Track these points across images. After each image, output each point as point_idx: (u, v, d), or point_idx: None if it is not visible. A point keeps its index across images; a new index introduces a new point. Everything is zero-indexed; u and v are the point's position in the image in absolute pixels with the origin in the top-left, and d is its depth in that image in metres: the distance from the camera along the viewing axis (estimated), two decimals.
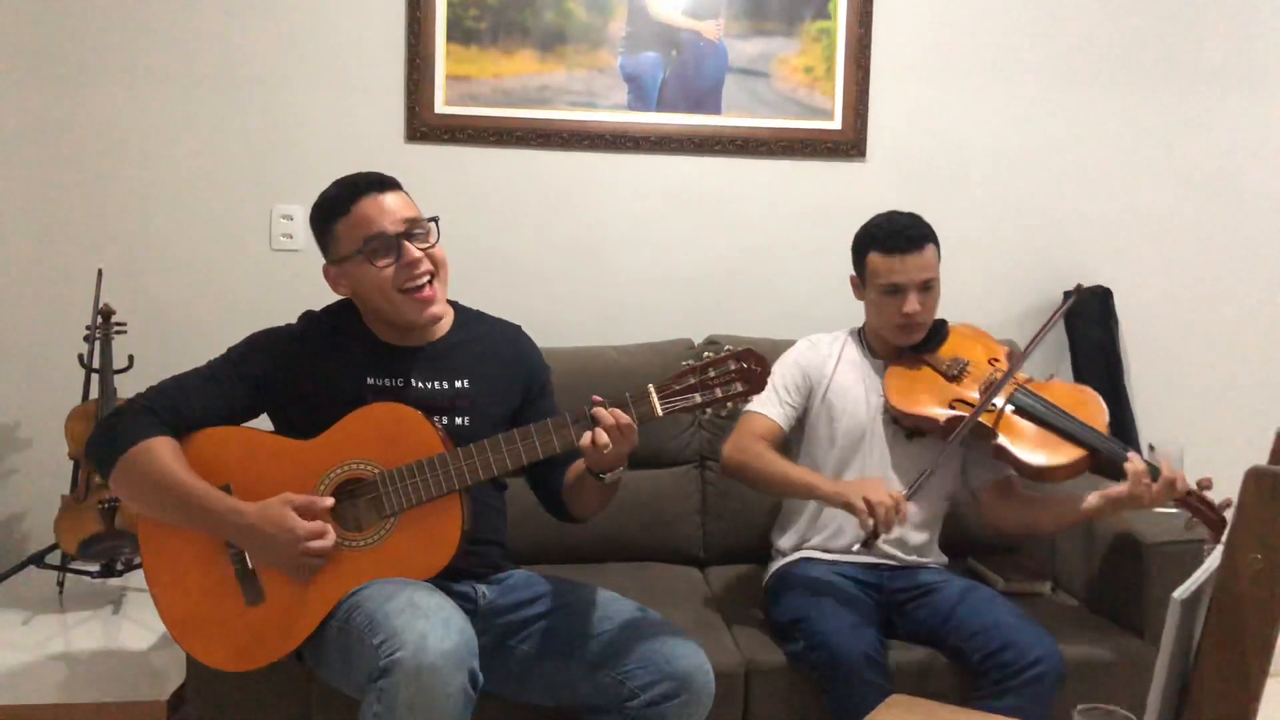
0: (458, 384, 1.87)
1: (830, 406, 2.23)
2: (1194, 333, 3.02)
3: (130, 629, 2.36)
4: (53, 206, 2.73)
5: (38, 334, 2.72)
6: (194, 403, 1.79)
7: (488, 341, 1.96)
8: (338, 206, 1.83)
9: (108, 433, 1.76)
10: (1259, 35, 2.98)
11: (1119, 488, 2.00)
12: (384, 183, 1.85)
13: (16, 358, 2.73)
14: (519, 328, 2.04)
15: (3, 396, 2.74)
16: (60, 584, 2.54)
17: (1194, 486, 1.98)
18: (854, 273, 2.27)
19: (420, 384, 1.85)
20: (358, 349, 1.86)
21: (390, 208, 1.82)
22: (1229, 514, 1.93)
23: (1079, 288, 2.15)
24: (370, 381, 1.83)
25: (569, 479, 1.91)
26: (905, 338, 2.21)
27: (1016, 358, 2.19)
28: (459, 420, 1.85)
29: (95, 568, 2.44)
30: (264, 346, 1.86)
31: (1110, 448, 2.06)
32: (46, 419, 2.64)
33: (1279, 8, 2.98)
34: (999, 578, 2.36)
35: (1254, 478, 1.13)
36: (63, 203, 2.73)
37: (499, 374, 1.93)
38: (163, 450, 1.73)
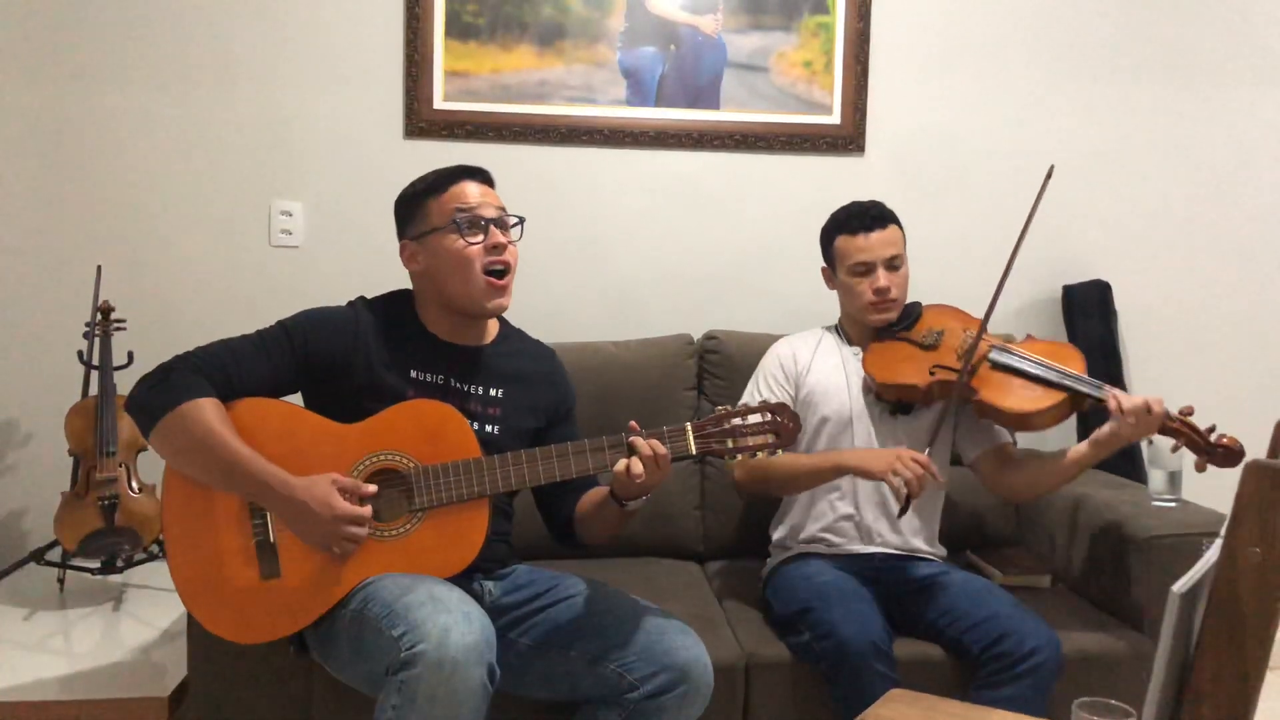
0: (493, 392, 1.90)
1: (812, 394, 2.27)
2: (1193, 326, 3.02)
3: (131, 626, 2.36)
4: (52, 203, 2.73)
5: (37, 331, 2.72)
6: (243, 369, 1.79)
7: (527, 357, 2.00)
8: (436, 185, 1.89)
9: (156, 388, 1.75)
10: (1259, 30, 2.98)
11: (1104, 428, 2.02)
12: (483, 173, 1.93)
13: (16, 354, 2.73)
14: (554, 351, 2.08)
15: (2, 393, 2.74)
16: (61, 581, 2.55)
17: (1175, 413, 2.01)
18: (824, 265, 2.35)
19: (460, 385, 1.88)
20: (406, 340, 1.89)
21: (486, 196, 1.89)
22: (1215, 437, 1.95)
23: (1052, 169, 2.19)
24: (414, 375, 1.85)
25: (584, 506, 1.94)
26: (879, 316, 2.25)
27: (992, 299, 2.19)
28: (489, 428, 1.87)
29: (96, 564, 2.44)
30: (320, 325, 1.86)
31: (1087, 387, 2.08)
32: (46, 415, 2.64)
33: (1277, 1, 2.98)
34: (998, 571, 2.36)
35: (1253, 471, 1.13)
36: (62, 199, 2.73)
37: (533, 391, 1.96)
38: (210, 411, 1.73)
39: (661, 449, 1.72)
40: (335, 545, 1.71)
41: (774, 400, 2.23)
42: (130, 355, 2.53)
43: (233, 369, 1.79)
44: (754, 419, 1.75)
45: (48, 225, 2.73)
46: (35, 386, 2.71)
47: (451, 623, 1.54)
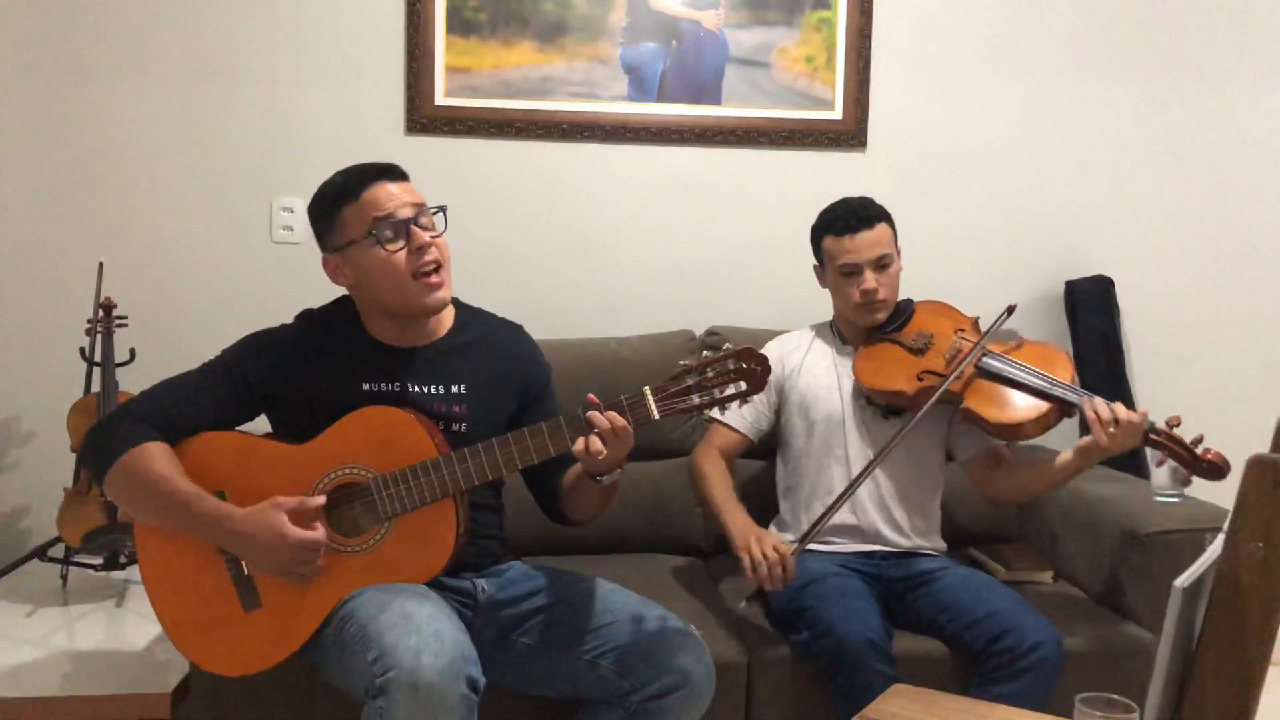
0: (454, 388, 1.85)
1: (803, 396, 2.26)
2: (1195, 321, 3.01)
3: (134, 622, 2.37)
4: (54, 200, 2.73)
5: (39, 327, 2.73)
6: (187, 408, 1.78)
7: (487, 343, 1.93)
8: (346, 191, 1.80)
9: (102, 439, 1.76)
10: (1260, 25, 2.98)
11: (1086, 438, 2.00)
12: (393, 170, 1.84)
13: (18, 351, 2.74)
14: (519, 327, 2.01)
15: (4, 390, 2.74)
16: (63, 577, 2.55)
17: (1162, 425, 1.99)
18: (815, 263, 2.33)
19: (416, 388, 1.83)
20: (353, 352, 1.84)
21: (399, 194, 1.80)
22: (1201, 450, 1.93)
23: (1012, 308, 2.21)
24: (366, 387, 1.81)
25: (567, 482, 1.89)
26: (869, 317, 2.24)
27: (981, 334, 2.19)
28: (455, 426, 1.83)
29: (98, 561, 2.44)
30: (258, 351, 1.83)
31: (1068, 396, 2.06)
32: (48, 412, 2.64)
33: None
34: (1001, 567, 2.36)
35: (1255, 466, 1.13)
36: (64, 196, 2.73)
37: (497, 378, 1.90)
38: (157, 456, 1.73)
39: (620, 421, 1.64)
40: (294, 569, 1.70)
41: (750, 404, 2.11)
42: (132, 352, 2.53)
43: (174, 410, 1.78)
44: (717, 369, 1.65)
45: (49, 222, 2.73)
46: (37, 383, 2.71)
47: (422, 645, 1.52)
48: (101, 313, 2.52)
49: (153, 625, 2.32)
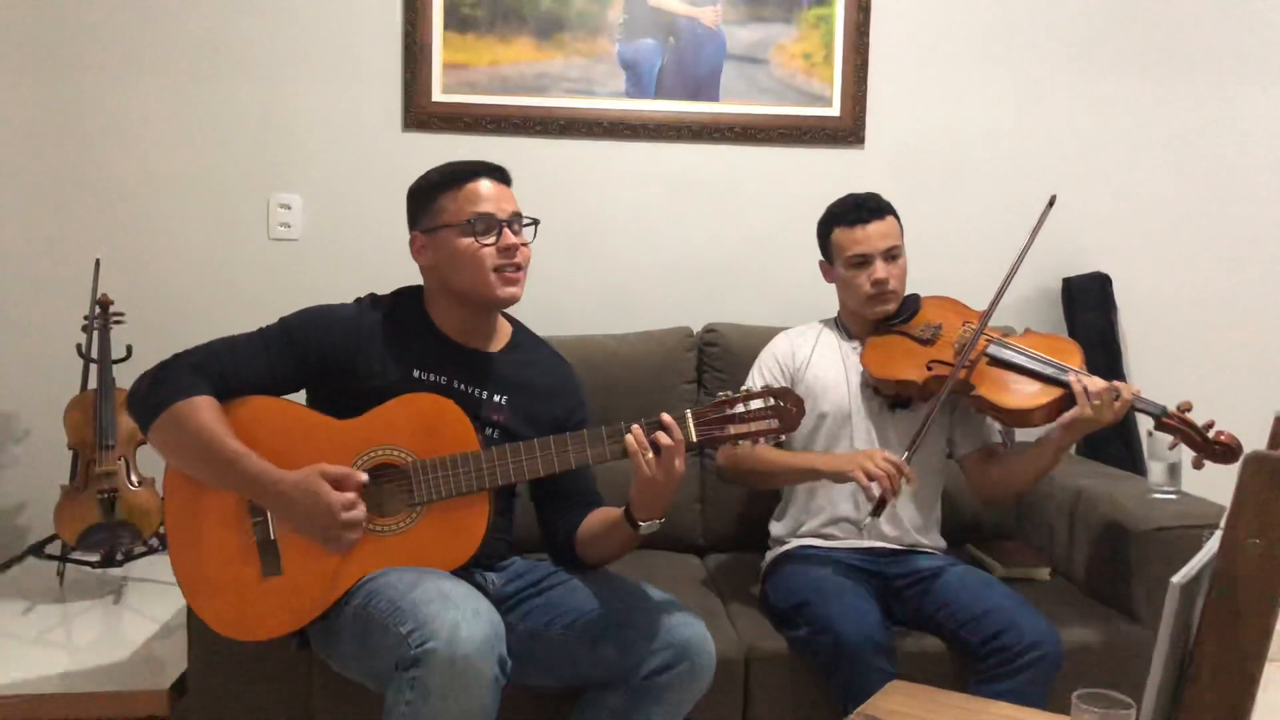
0: (497, 398, 1.88)
1: (810, 389, 2.25)
2: (1193, 318, 3.02)
3: (131, 619, 2.37)
4: (51, 196, 2.73)
5: (36, 324, 2.72)
6: (242, 369, 1.79)
7: (538, 368, 1.97)
8: (454, 180, 1.86)
9: (153, 386, 1.76)
10: (1259, 23, 2.98)
11: (1070, 412, 2.02)
12: (500, 172, 1.91)
13: (15, 348, 2.73)
14: (570, 366, 2.05)
15: (1, 387, 2.74)
16: (60, 574, 2.55)
17: (1173, 409, 2.01)
18: (822, 258, 2.34)
19: (462, 386, 1.86)
20: (412, 338, 1.87)
21: (502, 196, 1.87)
22: (1212, 434, 1.95)
23: (1054, 199, 2.20)
24: (416, 375, 1.84)
25: (590, 527, 1.90)
26: (879, 308, 2.25)
27: (991, 303, 2.19)
28: (489, 431, 1.86)
29: (95, 558, 2.44)
30: (320, 324, 1.85)
31: (1063, 378, 2.07)
32: (45, 409, 2.63)
33: None
34: (998, 564, 2.37)
35: (1253, 462, 1.13)
36: (61, 193, 2.73)
37: (539, 402, 1.93)
38: (205, 409, 1.74)
39: (676, 434, 1.68)
40: (333, 535, 1.71)
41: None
42: (129, 349, 2.53)
43: (230, 367, 1.79)
44: (756, 404, 1.72)
45: (46, 219, 2.73)
46: (34, 380, 2.71)
47: (460, 618, 1.54)
48: (98, 309, 2.52)
49: (150, 622, 2.33)
